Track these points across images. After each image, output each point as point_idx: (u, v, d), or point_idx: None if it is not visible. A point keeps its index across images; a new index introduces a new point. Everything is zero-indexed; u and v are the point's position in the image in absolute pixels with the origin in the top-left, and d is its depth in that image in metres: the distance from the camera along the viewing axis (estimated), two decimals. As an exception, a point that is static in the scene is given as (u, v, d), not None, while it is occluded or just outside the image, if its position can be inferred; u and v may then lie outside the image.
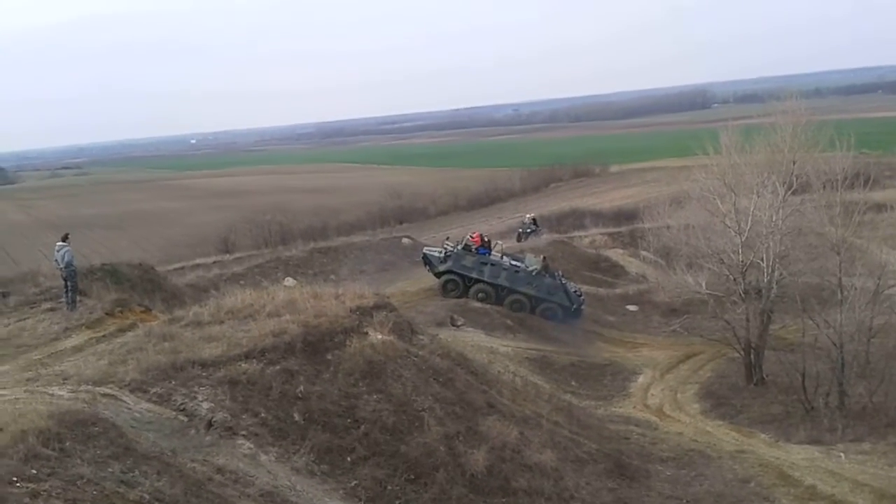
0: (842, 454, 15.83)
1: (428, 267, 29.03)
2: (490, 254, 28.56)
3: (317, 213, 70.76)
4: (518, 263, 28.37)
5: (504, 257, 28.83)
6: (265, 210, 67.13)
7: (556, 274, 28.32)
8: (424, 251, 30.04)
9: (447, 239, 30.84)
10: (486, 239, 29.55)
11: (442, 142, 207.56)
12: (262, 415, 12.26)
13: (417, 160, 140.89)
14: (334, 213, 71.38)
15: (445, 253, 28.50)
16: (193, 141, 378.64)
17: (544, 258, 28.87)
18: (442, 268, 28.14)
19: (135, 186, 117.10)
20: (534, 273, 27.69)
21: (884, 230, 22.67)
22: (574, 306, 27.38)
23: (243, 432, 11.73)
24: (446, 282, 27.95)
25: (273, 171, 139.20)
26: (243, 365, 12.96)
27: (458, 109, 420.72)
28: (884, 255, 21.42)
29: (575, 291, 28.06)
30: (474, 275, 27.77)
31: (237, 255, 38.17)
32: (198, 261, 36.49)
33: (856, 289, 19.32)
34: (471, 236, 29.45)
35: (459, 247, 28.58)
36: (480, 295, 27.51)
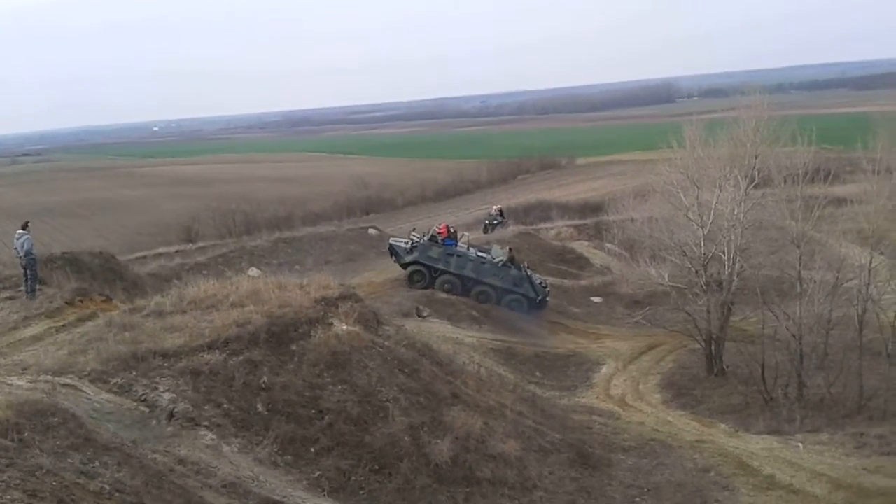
0: (800, 444, 16.07)
1: (394, 258, 28.97)
2: (456, 245, 28.58)
3: (282, 202, 70.21)
4: (484, 255, 28.45)
5: (470, 249, 28.89)
6: (230, 199, 66.42)
7: (521, 266, 28.46)
8: (391, 242, 29.97)
9: (413, 230, 30.78)
10: (452, 230, 29.54)
11: (410, 132, 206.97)
12: (225, 406, 12.18)
13: (385, 150, 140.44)
14: (300, 203, 70.87)
15: (412, 244, 28.45)
16: (156, 128, 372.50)
17: (510, 250, 28.97)
18: (408, 259, 28.11)
19: (96, 174, 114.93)
20: (500, 265, 27.78)
21: (843, 224, 23.12)
22: (539, 298, 27.55)
23: (205, 423, 11.64)
24: (412, 273, 27.92)
25: (238, 160, 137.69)
26: (206, 355, 12.86)
27: (426, 100, 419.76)
28: (843, 248, 21.85)
29: (541, 283, 28.21)
30: (440, 266, 27.77)
31: (200, 244, 37.75)
32: (160, 250, 36.06)
33: (815, 282, 19.70)
34: (437, 228, 29.43)
35: (426, 238, 28.56)
36: (447, 286, 27.53)
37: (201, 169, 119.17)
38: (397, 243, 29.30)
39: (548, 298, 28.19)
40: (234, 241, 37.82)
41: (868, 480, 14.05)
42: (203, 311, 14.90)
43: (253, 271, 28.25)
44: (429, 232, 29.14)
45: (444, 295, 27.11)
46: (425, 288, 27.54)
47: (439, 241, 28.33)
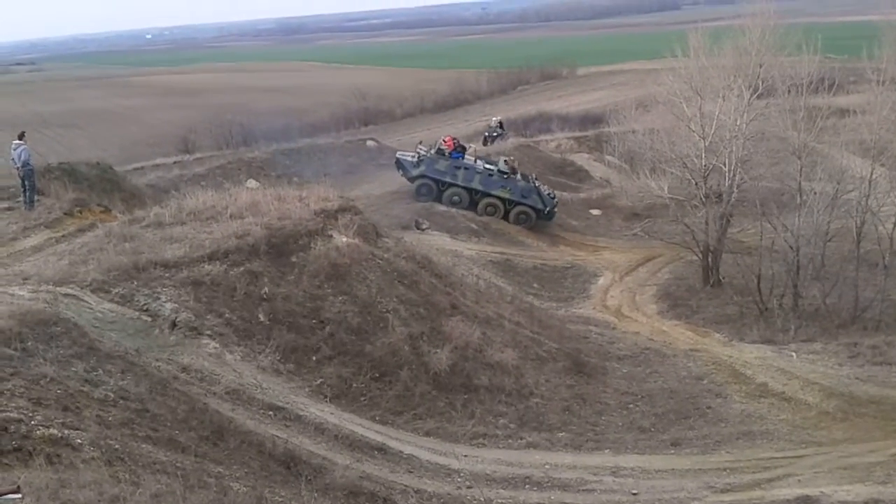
0: (793, 353, 16.32)
1: (401, 171, 28.73)
2: (463, 158, 28.36)
3: (279, 113, 69.18)
4: (491, 167, 28.25)
5: (477, 161, 28.63)
6: (226, 109, 65.35)
7: (528, 176, 28.26)
8: (397, 156, 29.60)
9: (420, 143, 30.36)
10: (458, 143, 29.21)
11: (409, 41, 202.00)
12: (227, 315, 12.37)
13: (383, 60, 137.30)
14: (297, 114, 69.66)
15: (419, 157, 28.16)
16: (149, 36, 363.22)
17: (506, 161, 28.64)
18: (415, 172, 27.87)
19: (90, 83, 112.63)
20: (506, 176, 27.71)
21: (845, 135, 22.84)
22: (547, 209, 27.47)
23: (208, 332, 11.85)
24: (420, 186, 27.76)
25: (233, 69, 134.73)
26: (206, 266, 12.97)
27: (425, 7, 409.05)
28: (844, 160, 21.69)
29: (549, 194, 28.02)
30: (448, 179, 27.59)
31: (198, 155, 37.17)
32: (158, 161, 35.57)
33: (815, 193, 19.68)
34: (443, 140, 29.06)
35: (432, 151, 28.30)
36: (454, 199, 27.42)
37: (196, 78, 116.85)
38: (404, 157, 28.97)
39: (555, 210, 28.12)
40: (231, 153, 37.26)
41: (860, 389, 14.34)
42: (202, 222, 14.95)
43: (251, 183, 28.10)
44: (435, 145, 28.86)
45: (443, 207, 27.04)
46: (432, 201, 27.44)
47: (446, 153, 28.09)
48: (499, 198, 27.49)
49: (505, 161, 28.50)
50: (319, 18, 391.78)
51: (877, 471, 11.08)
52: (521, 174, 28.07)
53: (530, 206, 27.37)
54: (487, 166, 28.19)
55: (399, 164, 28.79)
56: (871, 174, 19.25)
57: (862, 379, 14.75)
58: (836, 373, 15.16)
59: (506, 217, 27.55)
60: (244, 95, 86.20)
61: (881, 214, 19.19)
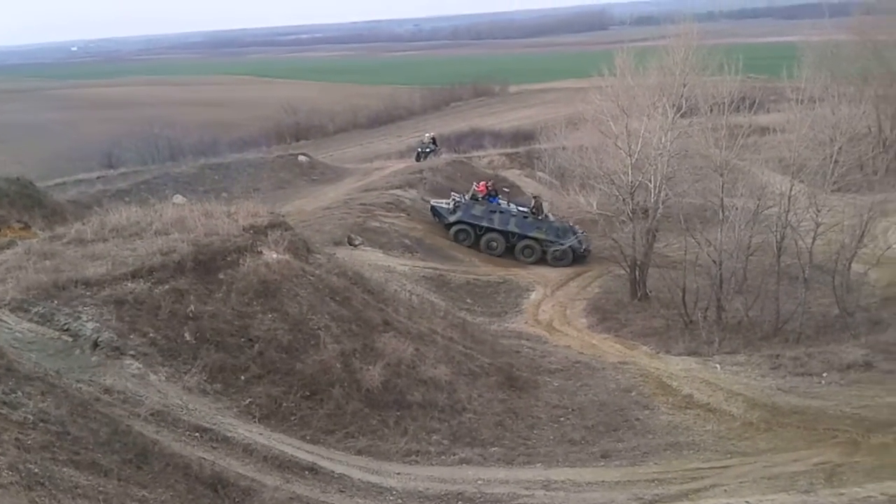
0: (718, 365, 16.71)
1: (437, 219, 29.10)
2: (498, 202, 28.73)
3: (208, 127, 67.92)
4: (524, 209, 28.60)
5: (511, 204, 29.03)
6: (153, 123, 63.87)
7: (563, 220, 28.18)
8: (432, 203, 29.81)
9: (452, 192, 30.42)
10: (492, 187, 29.69)
11: (341, 56, 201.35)
12: (151, 335, 12.02)
13: (315, 75, 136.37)
14: (227, 128, 68.62)
15: (455, 204, 28.53)
16: (75, 48, 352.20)
17: (534, 198, 28.91)
18: (452, 219, 28.26)
19: (12, 96, 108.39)
20: (540, 217, 27.85)
21: (766, 153, 23.78)
22: (584, 247, 27.54)
23: (131, 352, 11.51)
24: (457, 232, 28.16)
25: (161, 82, 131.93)
26: (130, 284, 12.61)
27: (358, 23, 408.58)
28: (764, 177, 22.49)
29: (583, 232, 28.01)
30: (485, 223, 27.99)
31: (122, 170, 36.27)
32: (80, 176, 34.60)
33: (736, 209, 20.31)
34: (476, 185, 29.60)
35: (467, 197, 28.71)
36: (492, 244, 27.91)
37: (122, 91, 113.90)
38: (439, 204, 29.27)
39: (590, 248, 28.03)
40: (157, 168, 36.45)
41: (782, 400, 14.72)
42: (126, 239, 14.56)
43: (178, 198, 27.37)
44: (469, 191, 29.20)
45: (376, 223, 27.00)
46: (471, 247, 27.85)
47: (480, 198, 28.49)
48: (535, 239, 27.65)
49: (534, 199, 28.73)
50: (249, 32, 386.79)
51: (800, 480, 11.37)
52: (540, 210, 28.29)
53: (567, 246, 27.31)
54: (521, 208, 28.60)
55: (434, 212, 29.22)
56: (791, 190, 19.86)
57: (784, 390, 15.15)
58: (759, 384, 15.55)
59: (543, 257, 27.64)
60: (172, 109, 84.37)
61: (800, 229, 19.79)
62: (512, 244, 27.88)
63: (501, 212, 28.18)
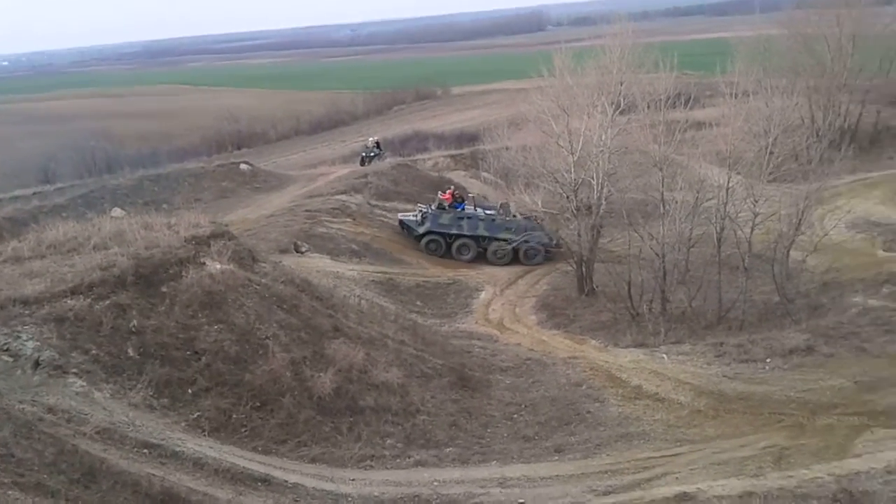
0: (664, 356, 17.02)
1: (406, 231, 28.87)
2: (465, 207, 28.68)
3: (146, 138, 66.53)
4: (491, 211, 28.52)
5: (477, 209, 28.96)
6: (89, 136, 62.26)
7: (530, 216, 27.95)
8: (400, 217, 29.60)
9: (418, 204, 30.25)
10: (457, 194, 29.63)
11: (279, 63, 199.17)
12: (94, 352, 11.74)
13: (255, 82, 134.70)
14: (165, 139, 67.36)
15: (422, 215, 28.38)
16: (5, 63, 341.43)
17: (501, 204, 28.89)
18: (421, 230, 28.15)
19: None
20: (507, 217, 27.82)
21: (703, 147, 24.20)
22: (554, 241, 27.37)
23: (74, 370, 11.23)
24: (428, 242, 28.04)
25: (96, 95, 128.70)
26: (69, 301, 12.29)
27: (294, 29, 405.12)
28: (703, 170, 22.96)
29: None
30: (454, 231, 27.95)
31: (59, 185, 35.30)
32: (16, 192, 33.52)
33: (677, 202, 20.69)
34: (442, 195, 29.48)
35: (433, 207, 28.58)
36: (462, 249, 27.86)
37: (57, 105, 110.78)
38: (406, 218, 29.09)
39: (560, 243, 27.79)
40: (94, 181, 35.54)
41: (728, 387, 15.10)
42: (64, 255, 14.23)
43: (116, 211, 26.78)
44: (435, 201, 29.12)
45: (322, 229, 26.78)
46: (443, 256, 27.80)
47: (446, 206, 28.39)
48: (505, 240, 27.61)
49: (501, 204, 28.70)
50: (186, 41, 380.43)
51: (749, 464, 11.63)
52: (507, 211, 28.27)
53: (537, 242, 27.40)
54: (488, 212, 28.52)
55: (403, 225, 29.03)
56: (728, 182, 20.28)
57: (729, 377, 15.53)
58: (705, 372, 15.89)
59: (515, 256, 27.66)
60: (108, 121, 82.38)
61: (739, 220, 20.20)
62: (483, 248, 27.97)
63: (469, 217, 28.29)
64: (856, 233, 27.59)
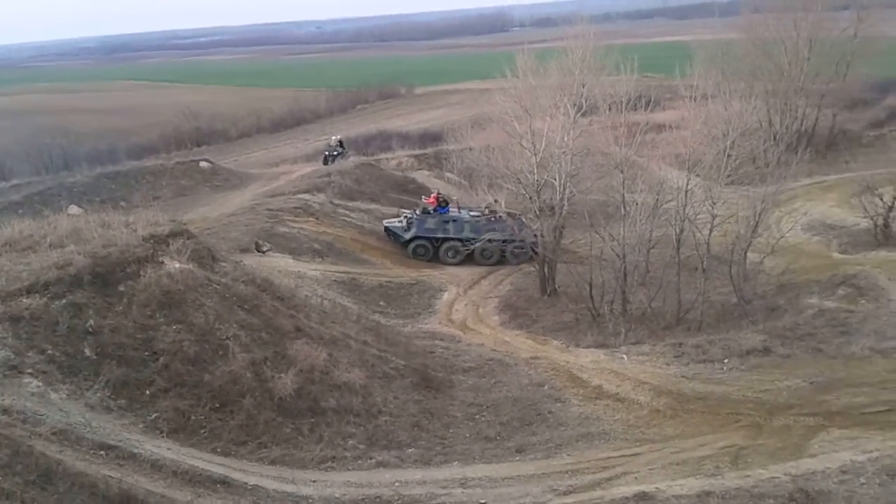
0: (624, 356, 17.24)
1: (392, 238, 28.63)
2: (449, 211, 28.54)
3: (103, 135, 65.35)
4: (476, 213, 28.39)
5: (461, 210, 28.82)
6: (45, 132, 61.02)
7: (515, 214, 27.46)
8: (385, 224, 29.33)
9: (401, 209, 30.13)
10: (441, 197, 29.42)
11: (241, 59, 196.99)
12: (50, 351, 11.52)
13: (215, 79, 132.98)
14: (124, 136, 66.25)
15: (407, 221, 28.21)
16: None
17: (487, 206, 28.57)
18: (408, 236, 28.00)
19: None
20: (492, 218, 27.64)
21: (663, 149, 24.57)
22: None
23: (29, 370, 11.01)
24: (415, 248, 27.92)
25: (52, 90, 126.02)
26: (25, 300, 12.05)
27: (257, 25, 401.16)
28: (662, 172, 23.26)
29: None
30: (440, 234, 27.85)
31: (14, 182, 34.56)
32: (-31, 190, 32.75)
33: (637, 204, 20.96)
34: (426, 199, 29.35)
35: (417, 212, 28.43)
36: (449, 252, 27.75)
37: (11, 100, 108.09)
38: (391, 224, 28.86)
39: None
40: (51, 178, 34.89)
41: (687, 386, 15.33)
42: (19, 253, 13.96)
43: (73, 209, 26.32)
44: (419, 206, 28.97)
45: (284, 228, 26.55)
46: (430, 260, 27.64)
47: (431, 211, 28.24)
48: (491, 240, 27.42)
49: (486, 206, 28.43)
50: (145, 36, 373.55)
51: (706, 464, 11.82)
52: (493, 211, 27.97)
53: (524, 241, 26.87)
54: (473, 214, 28.41)
55: (389, 232, 28.76)
56: (688, 184, 20.59)
57: (688, 377, 15.78)
58: (665, 372, 16.12)
59: (503, 257, 27.66)
60: (65, 117, 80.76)
61: (698, 222, 20.55)
62: (470, 250, 27.89)
63: (454, 220, 28.28)
64: (812, 235, 28.20)
